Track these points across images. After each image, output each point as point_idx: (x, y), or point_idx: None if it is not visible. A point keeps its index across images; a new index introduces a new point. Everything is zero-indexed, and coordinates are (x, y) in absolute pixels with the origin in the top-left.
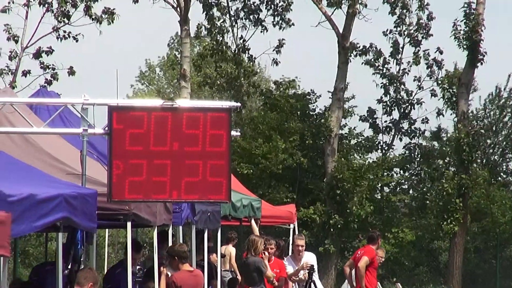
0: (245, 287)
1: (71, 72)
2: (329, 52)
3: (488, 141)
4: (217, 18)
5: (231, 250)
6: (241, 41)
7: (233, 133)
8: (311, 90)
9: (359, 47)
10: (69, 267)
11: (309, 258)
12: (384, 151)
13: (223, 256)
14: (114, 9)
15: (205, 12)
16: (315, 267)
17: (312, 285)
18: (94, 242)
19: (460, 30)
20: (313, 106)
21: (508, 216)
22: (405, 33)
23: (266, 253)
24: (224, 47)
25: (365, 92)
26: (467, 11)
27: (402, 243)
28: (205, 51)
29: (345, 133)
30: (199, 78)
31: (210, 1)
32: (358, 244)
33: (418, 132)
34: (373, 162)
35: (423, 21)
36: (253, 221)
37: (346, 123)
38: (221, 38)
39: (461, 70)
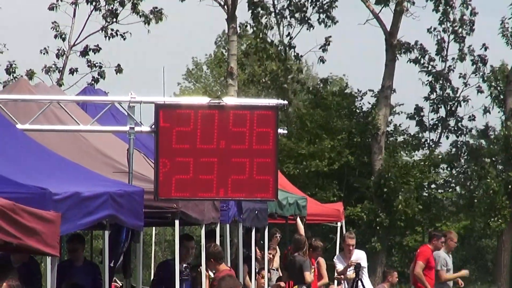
0: (290, 283)
1: (119, 69)
2: (376, 50)
3: None
4: (262, 16)
5: None
6: (288, 38)
7: (280, 131)
8: (350, 87)
9: (405, 44)
10: (111, 264)
11: (359, 256)
12: (431, 149)
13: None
14: (162, 8)
15: (250, 11)
16: (365, 264)
17: (360, 283)
18: (141, 240)
19: (508, 27)
20: (360, 104)
21: None
22: (450, 29)
23: None
24: (267, 44)
25: (411, 89)
26: None
27: None
28: (249, 49)
29: (391, 130)
30: (245, 76)
31: (255, 0)
32: (403, 241)
33: (465, 129)
34: (419, 160)
35: (467, 17)
36: (298, 220)
37: (391, 120)
38: (264, 36)
39: (507, 66)
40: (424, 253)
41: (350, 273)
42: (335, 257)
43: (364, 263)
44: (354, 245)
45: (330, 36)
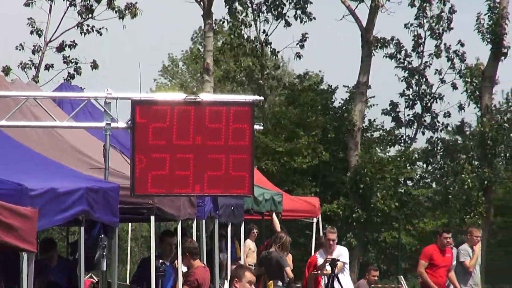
0: (267, 279)
1: (94, 65)
2: (352, 46)
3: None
4: (239, 12)
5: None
6: (264, 35)
7: (256, 127)
8: (326, 83)
9: (381, 40)
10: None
11: (341, 251)
12: (406, 145)
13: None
14: (136, 3)
15: (227, 6)
16: (347, 260)
17: (336, 279)
18: (116, 236)
19: (484, 23)
20: (333, 99)
21: None
22: (426, 26)
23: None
24: (243, 40)
25: (387, 85)
26: (491, 5)
27: (423, 234)
28: (224, 46)
29: (366, 125)
30: (221, 72)
31: None
32: (379, 237)
33: (441, 126)
34: (394, 156)
35: (445, 14)
36: (274, 215)
37: (365, 115)
38: (239, 32)
39: (482, 63)
40: (425, 251)
41: (328, 268)
42: (318, 252)
43: (345, 259)
44: (335, 240)
45: (307, 33)
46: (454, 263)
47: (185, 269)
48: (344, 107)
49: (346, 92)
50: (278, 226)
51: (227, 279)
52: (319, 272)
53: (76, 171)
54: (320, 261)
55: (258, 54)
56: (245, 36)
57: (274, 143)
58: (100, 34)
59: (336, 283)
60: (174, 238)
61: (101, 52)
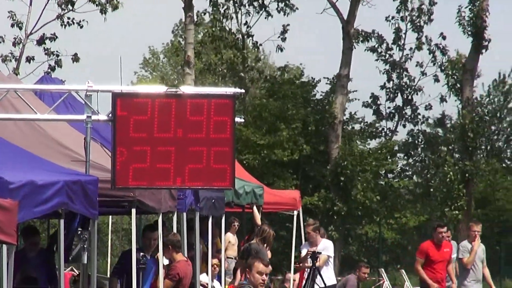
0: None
1: (75, 58)
2: (334, 39)
3: (493, 127)
4: (221, 4)
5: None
6: (245, 27)
7: (237, 119)
8: (308, 76)
9: (362, 33)
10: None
11: (326, 245)
12: (387, 138)
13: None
14: None
15: None
16: (331, 254)
17: (317, 271)
18: (95, 229)
19: (465, 16)
20: (314, 92)
21: None
22: (408, 18)
23: None
24: (224, 33)
25: (369, 78)
26: None
27: (405, 228)
28: (205, 38)
29: (347, 118)
30: (202, 65)
31: None
32: (359, 230)
33: (422, 118)
34: (375, 148)
35: (425, 6)
36: (255, 208)
37: (346, 107)
38: (221, 25)
39: (464, 56)
40: (420, 248)
41: (309, 261)
42: (302, 245)
43: (330, 252)
44: (310, 233)
45: (288, 24)
46: (454, 255)
47: (166, 261)
48: (325, 100)
49: (327, 83)
50: (258, 219)
51: (207, 273)
52: (301, 265)
53: (55, 164)
54: (304, 253)
55: (240, 46)
56: (227, 29)
57: (255, 135)
58: (81, 27)
59: (318, 276)
60: (155, 233)
61: (82, 45)
